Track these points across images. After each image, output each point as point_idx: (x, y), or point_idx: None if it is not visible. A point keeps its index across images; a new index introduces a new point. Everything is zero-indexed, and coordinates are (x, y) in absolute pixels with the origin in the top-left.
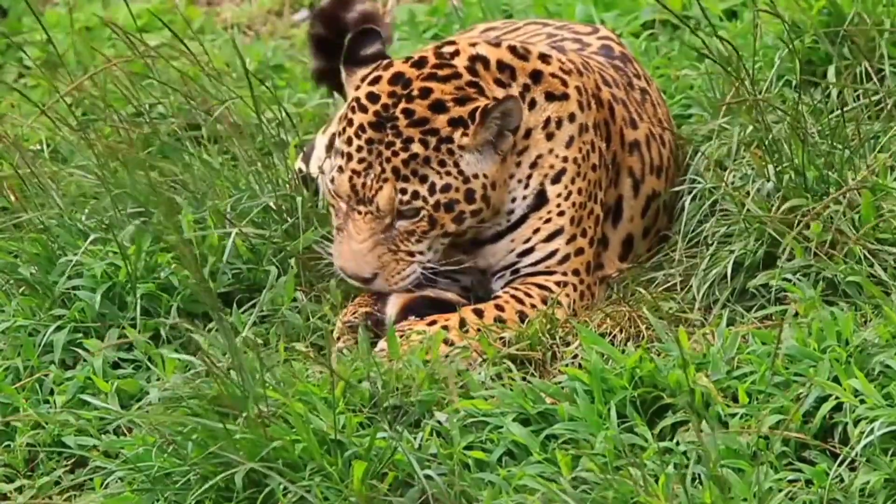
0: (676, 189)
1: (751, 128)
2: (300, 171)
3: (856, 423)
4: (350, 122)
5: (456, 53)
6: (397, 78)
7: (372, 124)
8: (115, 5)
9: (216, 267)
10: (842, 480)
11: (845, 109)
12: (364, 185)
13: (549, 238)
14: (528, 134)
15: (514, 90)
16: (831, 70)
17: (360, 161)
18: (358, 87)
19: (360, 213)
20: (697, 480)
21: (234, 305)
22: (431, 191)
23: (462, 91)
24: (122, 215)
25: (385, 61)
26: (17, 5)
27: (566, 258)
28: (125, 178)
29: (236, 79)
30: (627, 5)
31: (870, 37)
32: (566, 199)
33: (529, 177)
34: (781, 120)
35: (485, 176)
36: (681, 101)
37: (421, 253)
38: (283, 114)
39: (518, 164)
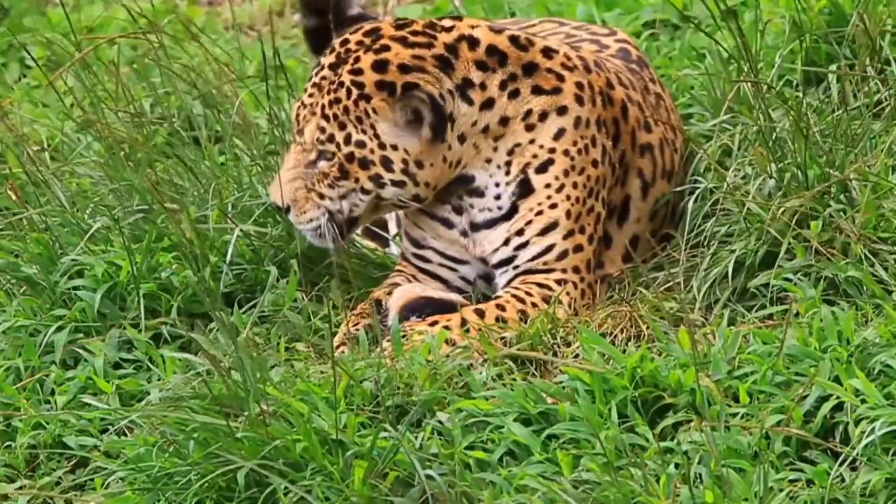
0: (679, 189)
1: (754, 127)
2: None
3: (857, 422)
4: (318, 63)
5: (447, 29)
6: (373, 31)
7: (331, 65)
8: (117, 5)
9: (218, 267)
10: (843, 480)
11: (847, 109)
12: (303, 117)
13: (544, 232)
14: (505, 122)
15: (497, 77)
16: (833, 69)
17: (310, 95)
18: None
19: (295, 142)
20: (699, 480)
21: (235, 305)
22: (346, 141)
23: (419, 62)
24: (127, 211)
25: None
26: (18, 5)
27: (564, 254)
28: (130, 174)
29: (236, 79)
30: (629, 5)
31: (871, 36)
32: (558, 191)
33: (509, 163)
34: (785, 115)
35: (406, 151)
36: (682, 101)
37: (331, 199)
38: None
39: (495, 150)
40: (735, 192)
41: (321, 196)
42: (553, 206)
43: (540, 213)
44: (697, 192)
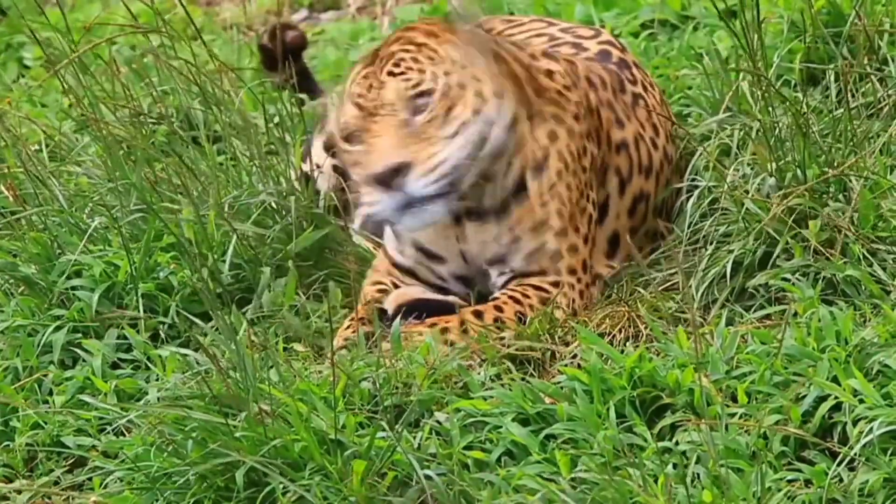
0: (677, 186)
1: (754, 126)
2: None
3: (855, 422)
4: (349, 83)
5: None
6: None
7: (364, 65)
8: (115, 6)
9: (216, 266)
10: (841, 480)
11: (846, 108)
12: (368, 98)
13: (535, 230)
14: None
15: None
16: (831, 69)
17: (362, 86)
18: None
19: (374, 121)
20: (697, 480)
21: (234, 305)
22: (433, 77)
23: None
24: (125, 211)
25: None
26: (16, 5)
27: (558, 255)
28: (129, 173)
29: (233, 79)
30: (627, 5)
31: (869, 36)
32: (549, 189)
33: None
34: (784, 114)
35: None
36: (680, 101)
37: (451, 138)
38: (285, 112)
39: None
40: (734, 192)
41: (443, 137)
42: (544, 204)
43: (531, 210)
44: (697, 191)
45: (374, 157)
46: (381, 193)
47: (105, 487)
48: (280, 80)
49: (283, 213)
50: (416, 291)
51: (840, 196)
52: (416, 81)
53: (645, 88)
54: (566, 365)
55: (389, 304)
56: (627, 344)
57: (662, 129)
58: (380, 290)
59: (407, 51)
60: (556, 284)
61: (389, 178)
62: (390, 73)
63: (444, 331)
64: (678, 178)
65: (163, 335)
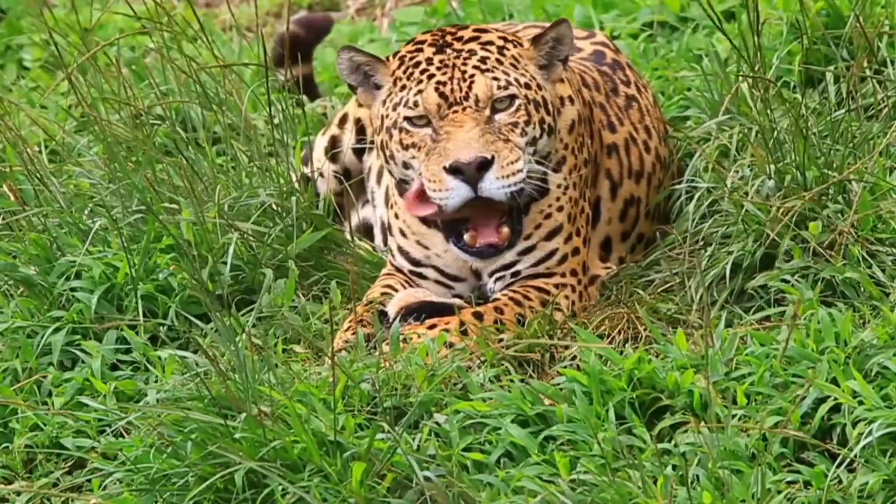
0: (675, 188)
1: (753, 128)
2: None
3: (854, 424)
4: (414, 64)
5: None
6: (431, 31)
7: (434, 51)
8: (114, 7)
9: (215, 268)
10: (840, 482)
11: (845, 110)
12: (452, 89)
13: (550, 236)
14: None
15: None
16: (831, 70)
17: (443, 73)
18: (396, 53)
19: (456, 112)
20: (696, 482)
21: (233, 307)
22: (517, 82)
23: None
24: (126, 211)
25: None
26: (15, 6)
27: (564, 258)
28: (130, 174)
29: (234, 80)
30: (626, 6)
31: (868, 38)
32: (564, 192)
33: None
34: (784, 116)
35: (548, 93)
36: (678, 103)
37: (524, 148)
38: (283, 114)
39: None
40: (734, 194)
41: (519, 146)
42: (560, 208)
43: (548, 216)
44: (697, 193)
45: (457, 146)
46: (454, 183)
47: (104, 489)
48: (285, 80)
49: (283, 214)
50: (421, 294)
51: (840, 198)
52: (504, 83)
53: (639, 90)
54: (565, 366)
55: (393, 307)
56: (627, 345)
57: (655, 132)
58: (384, 292)
59: (489, 51)
60: (558, 286)
61: (473, 171)
62: (477, 68)
63: (444, 332)
64: (673, 180)
65: (162, 337)
